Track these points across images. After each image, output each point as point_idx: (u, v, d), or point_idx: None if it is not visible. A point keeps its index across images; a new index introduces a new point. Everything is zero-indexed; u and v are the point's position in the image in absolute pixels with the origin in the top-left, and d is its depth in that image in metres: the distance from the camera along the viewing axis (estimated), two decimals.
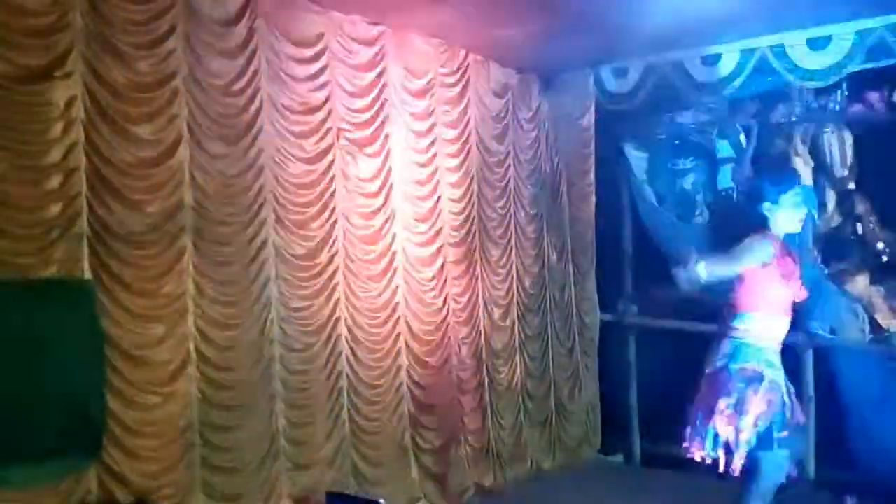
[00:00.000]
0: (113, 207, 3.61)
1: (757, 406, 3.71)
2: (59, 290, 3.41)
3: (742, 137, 6.63)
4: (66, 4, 3.45)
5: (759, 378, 3.78)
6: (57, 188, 3.45)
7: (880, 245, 5.94)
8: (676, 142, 6.80)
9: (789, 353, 5.45)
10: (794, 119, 6.36)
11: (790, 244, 4.05)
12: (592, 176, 6.39)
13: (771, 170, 4.68)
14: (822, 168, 6.65)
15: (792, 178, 4.34)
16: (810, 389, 5.51)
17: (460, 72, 5.52)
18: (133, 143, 3.69)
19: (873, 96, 6.08)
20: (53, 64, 3.42)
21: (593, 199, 6.43)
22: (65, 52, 3.45)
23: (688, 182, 6.84)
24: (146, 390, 3.71)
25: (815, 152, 6.63)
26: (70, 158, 3.48)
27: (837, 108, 6.34)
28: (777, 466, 3.83)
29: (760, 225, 3.94)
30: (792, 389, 3.93)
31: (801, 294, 4.04)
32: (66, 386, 3.21)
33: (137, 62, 3.71)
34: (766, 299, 3.87)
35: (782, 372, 3.91)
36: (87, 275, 3.52)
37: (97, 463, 3.50)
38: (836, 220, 6.10)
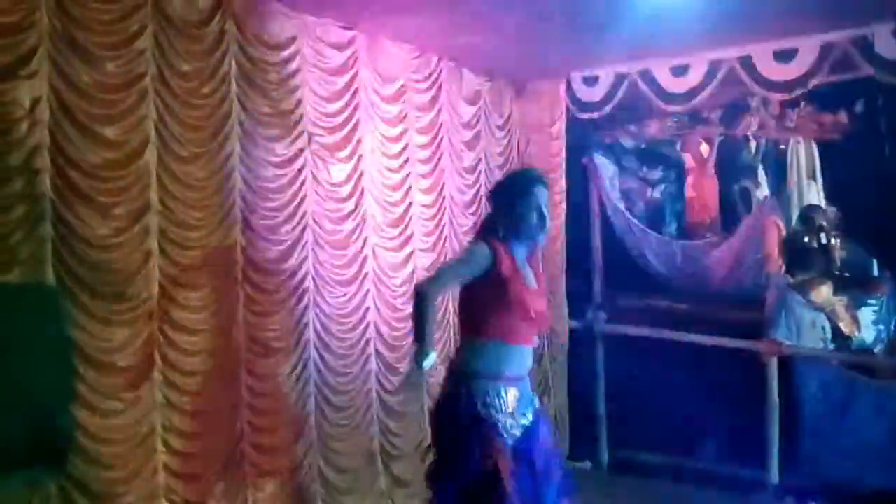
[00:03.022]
0: (78, 210, 3.54)
1: None
2: (23, 296, 3.33)
3: (703, 147, 6.74)
4: (32, 3, 3.37)
5: None
6: (20, 190, 3.37)
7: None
8: (645, 151, 6.89)
9: (754, 361, 5.62)
10: (759, 130, 6.48)
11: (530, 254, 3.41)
12: (563, 184, 6.42)
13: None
14: (786, 179, 6.78)
15: (531, 174, 3.60)
16: (774, 396, 5.60)
17: (432, 78, 5.53)
18: (99, 145, 3.63)
19: (838, 109, 6.21)
20: (18, 63, 3.34)
21: (563, 206, 6.46)
22: (30, 52, 3.37)
23: (657, 192, 6.93)
24: (109, 396, 3.64)
25: (781, 164, 6.77)
26: (34, 160, 3.40)
27: (803, 120, 6.46)
28: None
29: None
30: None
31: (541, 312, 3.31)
32: (32, 397, 3.12)
33: (105, 62, 3.64)
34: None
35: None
36: (51, 278, 3.45)
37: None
38: (801, 231, 6.21)
